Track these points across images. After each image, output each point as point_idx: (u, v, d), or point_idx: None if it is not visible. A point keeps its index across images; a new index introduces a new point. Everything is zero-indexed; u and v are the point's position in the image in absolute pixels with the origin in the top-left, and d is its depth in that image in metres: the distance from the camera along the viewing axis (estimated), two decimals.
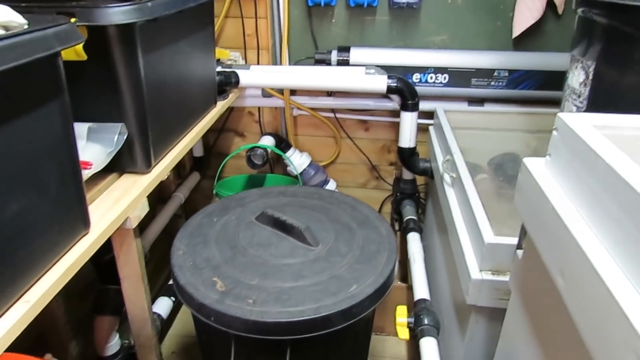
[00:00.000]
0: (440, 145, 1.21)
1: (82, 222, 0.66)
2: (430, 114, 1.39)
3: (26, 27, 0.52)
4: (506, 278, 0.75)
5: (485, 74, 1.31)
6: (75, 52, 0.70)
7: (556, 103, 1.32)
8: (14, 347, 0.65)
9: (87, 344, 1.16)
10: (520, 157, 1.11)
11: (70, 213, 0.63)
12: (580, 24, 0.81)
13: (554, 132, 0.46)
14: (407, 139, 1.29)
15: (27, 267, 0.55)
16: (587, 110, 0.73)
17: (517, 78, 1.31)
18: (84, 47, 0.70)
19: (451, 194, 1.01)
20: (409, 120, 1.26)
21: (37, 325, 1.05)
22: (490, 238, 0.75)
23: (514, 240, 0.72)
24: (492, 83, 1.31)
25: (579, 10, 0.80)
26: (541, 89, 1.32)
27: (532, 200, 0.47)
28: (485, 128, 1.31)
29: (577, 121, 0.43)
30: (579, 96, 0.70)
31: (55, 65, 0.56)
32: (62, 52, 0.56)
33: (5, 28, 0.50)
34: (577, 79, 0.70)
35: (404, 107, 1.25)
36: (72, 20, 0.59)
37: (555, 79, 1.29)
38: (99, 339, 1.06)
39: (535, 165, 0.49)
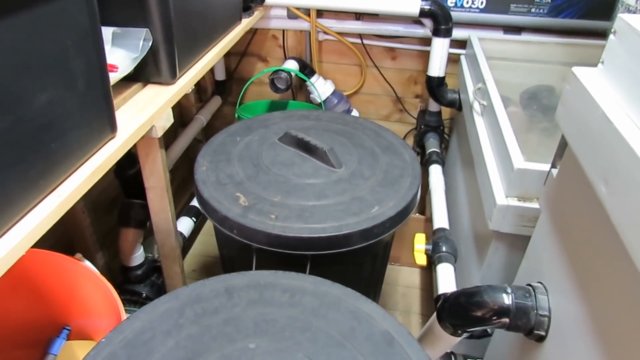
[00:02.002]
0: (472, 75, 1.16)
1: (109, 124, 0.65)
2: (460, 44, 1.33)
3: None
4: (532, 205, 0.74)
5: None
6: None
7: (598, 34, 1.25)
8: None
9: (113, 255, 1.21)
10: (557, 89, 1.07)
11: (98, 113, 0.62)
12: None
13: (611, 37, 0.43)
14: (436, 67, 1.23)
15: (59, 160, 0.56)
16: None
17: (560, 5, 1.22)
18: None
19: (480, 123, 0.98)
20: (440, 47, 1.21)
21: (65, 235, 1.09)
22: (519, 163, 0.74)
23: (543, 167, 0.71)
24: (533, 10, 1.23)
25: None
26: (584, 19, 1.24)
27: (579, 110, 0.45)
28: (520, 59, 1.24)
29: None
30: (634, 13, 0.65)
31: None
32: None
33: None
34: None
35: (436, 32, 1.19)
36: None
37: (600, 8, 1.21)
38: (124, 250, 1.10)
39: (585, 74, 0.46)
